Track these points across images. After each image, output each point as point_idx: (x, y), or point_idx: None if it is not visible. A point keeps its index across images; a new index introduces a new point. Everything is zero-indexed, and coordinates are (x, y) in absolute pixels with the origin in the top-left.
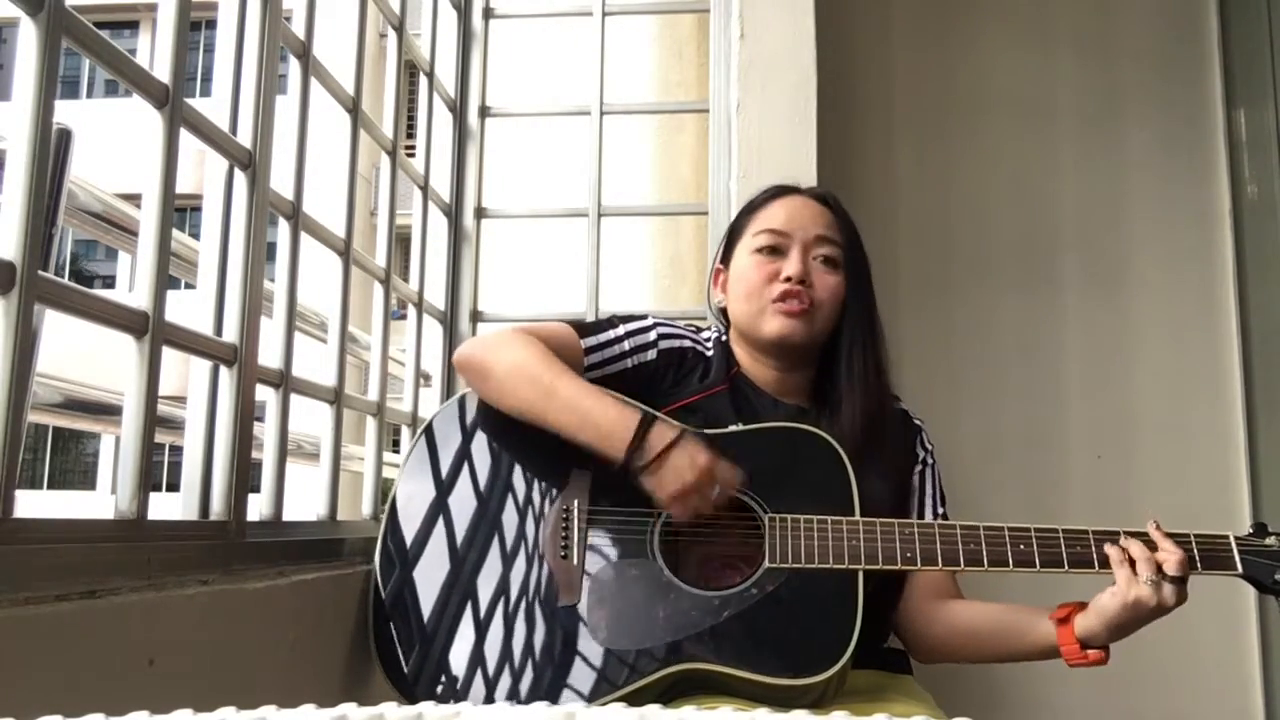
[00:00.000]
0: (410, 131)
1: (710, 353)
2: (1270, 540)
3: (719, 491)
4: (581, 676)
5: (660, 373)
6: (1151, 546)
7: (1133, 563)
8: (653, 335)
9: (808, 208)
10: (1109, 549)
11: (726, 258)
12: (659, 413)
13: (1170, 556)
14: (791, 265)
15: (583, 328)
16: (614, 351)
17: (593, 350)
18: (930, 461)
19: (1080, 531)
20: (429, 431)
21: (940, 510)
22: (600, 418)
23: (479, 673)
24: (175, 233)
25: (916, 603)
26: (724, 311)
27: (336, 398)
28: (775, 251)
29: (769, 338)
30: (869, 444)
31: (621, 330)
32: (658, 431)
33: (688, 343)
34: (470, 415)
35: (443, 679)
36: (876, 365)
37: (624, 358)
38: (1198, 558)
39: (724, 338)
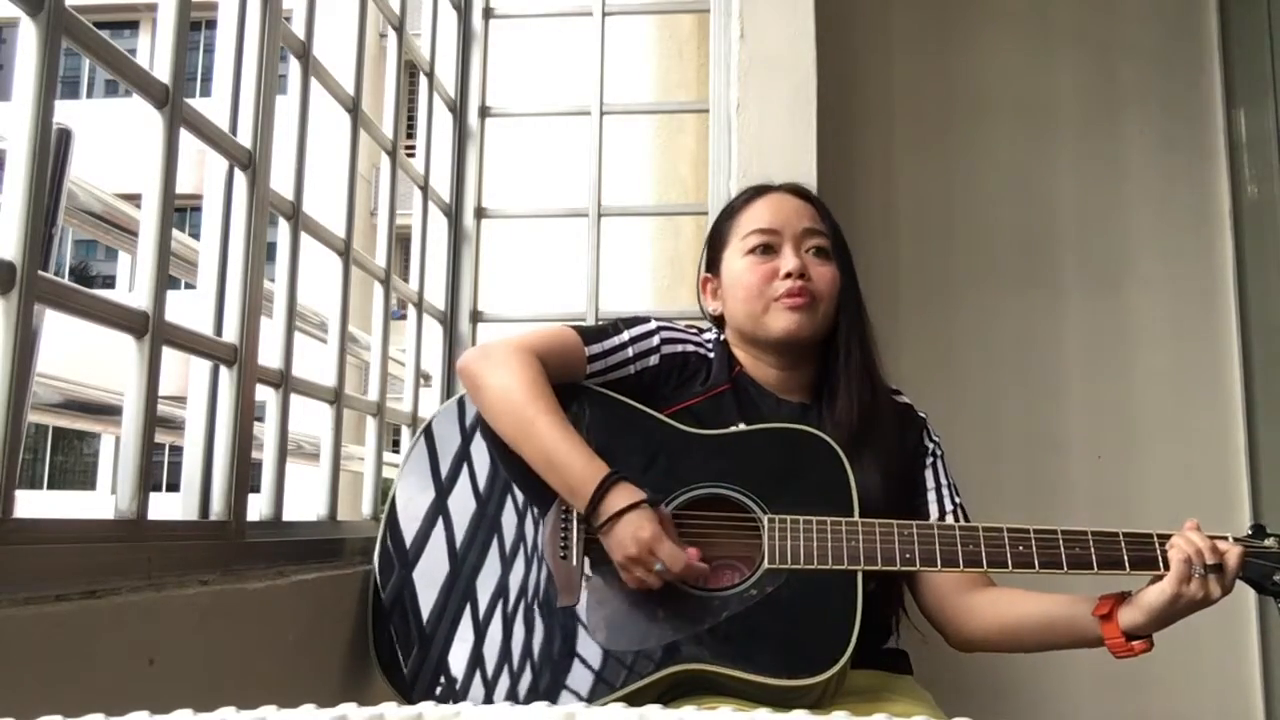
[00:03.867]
0: (410, 131)
1: (712, 354)
2: (1269, 542)
3: (663, 569)
4: (581, 677)
5: (664, 376)
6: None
7: (1184, 559)
8: (656, 340)
9: (789, 202)
10: (1170, 551)
11: (713, 265)
12: (664, 418)
13: (1204, 544)
14: (789, 261)
15: (587, 333)
16: (618, 358)
17: (596, 358)
18: (939, 453)
19: (1079, 532)
20: (429, 432)
21: (957, 500)
22: (566, 470)
23: (478, 673)
24: (175, 233)
25: (948, 597)
26: (717, 319)
27: (336, 398)
28: (768, 250)
29: (777, 335)
30: (865, 433)
31: (625, 336)
32: (613, 497)
33: (690, 346)
34: (470, 416)
35: (442, 680)
36: (868, 353)
37: (628, 363)
38: None
39: (722, 339)
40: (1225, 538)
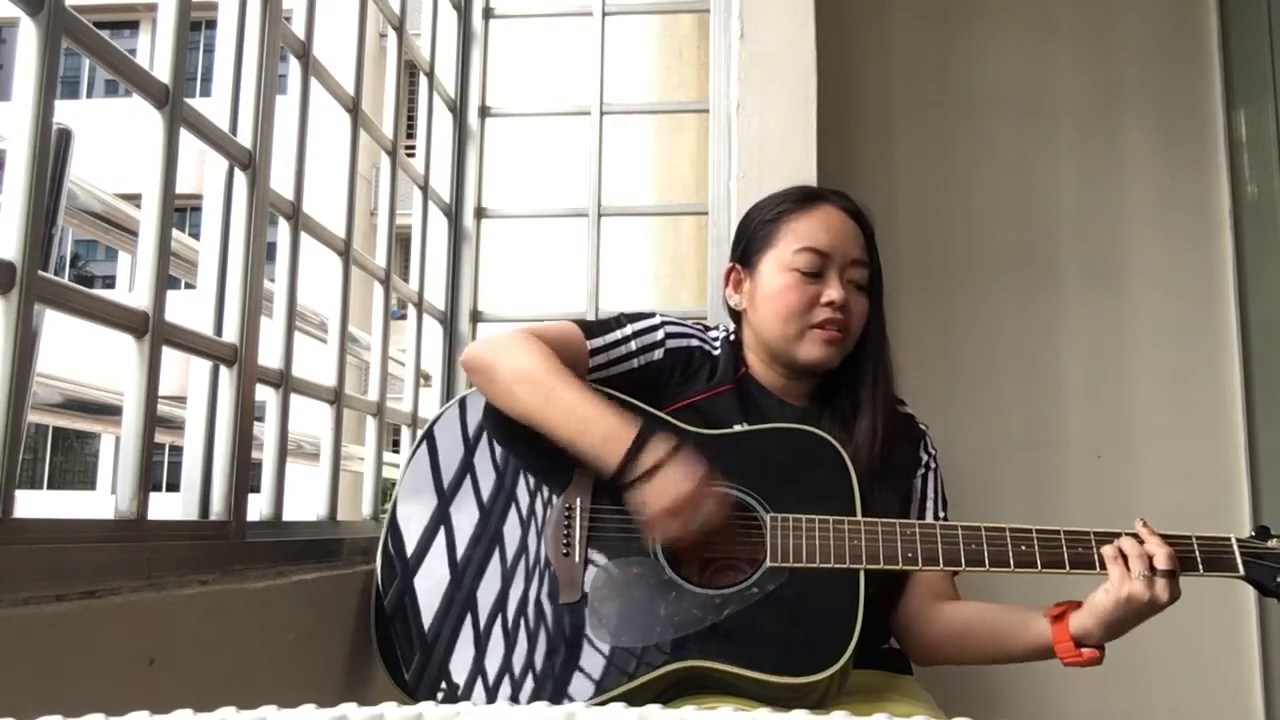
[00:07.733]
0: (410, 131)
1: (718, 352)
2: (1273, 543)
3: (702, 520)
4: (581, 674)
5: (667, 372)
6: (1142, 543)
7: (1125, 559)
8: (660, 334)
9: (845, 225)
10: (1104, 548)
11: (747, 259)
12: (665, 415)
13: (1159, 550)
14: (835, 291)
15: (589, 328)
16: (620, 352)
17: (598, 351)
18: (933, 465)
19: (1082, 532)
20: (431, 433)
21: (941, 514)
22: (598, 426)
23: (480, 671)
24: (175, 233)
25: (915, 604)
26: (736, 314)
27: (336, 398)
28: (815, 274)
29: (806, 363)
30: (882, 458)
31: (629, 330)
32: (653, 446)
33: (695, 342)
34: (472, 416)
35: (445, 678)
36: (888, 382)
37: (630, 358)
38: (1199, 559)
39: (732, 337)
40: (1227, 539)
